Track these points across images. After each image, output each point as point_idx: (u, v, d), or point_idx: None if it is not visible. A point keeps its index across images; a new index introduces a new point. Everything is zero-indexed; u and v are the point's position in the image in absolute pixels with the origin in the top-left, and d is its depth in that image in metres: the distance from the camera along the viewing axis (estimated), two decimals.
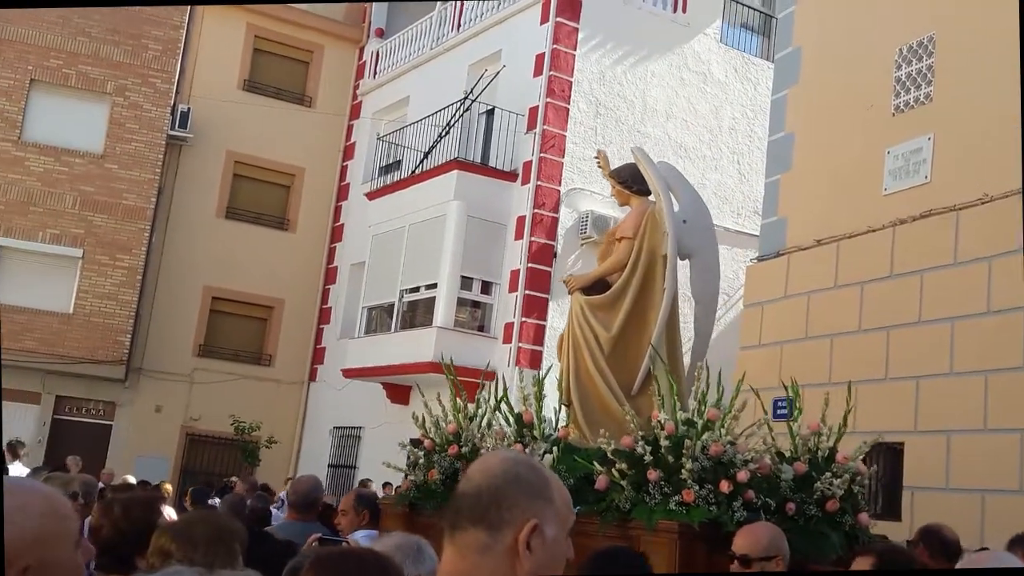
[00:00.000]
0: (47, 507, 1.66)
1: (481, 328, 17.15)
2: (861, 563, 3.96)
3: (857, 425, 10.27)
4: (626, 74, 17.73)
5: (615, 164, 7.42)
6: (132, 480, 12.31)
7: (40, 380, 20.28)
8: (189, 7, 21.48)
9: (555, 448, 6.19)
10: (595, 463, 5.79)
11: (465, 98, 17.77)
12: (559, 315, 16.56)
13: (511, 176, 17.18)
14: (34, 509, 1.63)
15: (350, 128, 23.21)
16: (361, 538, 5.50)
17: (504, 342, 16.61)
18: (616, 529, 5.48)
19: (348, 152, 23.12)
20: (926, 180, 10.17)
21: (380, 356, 17.59)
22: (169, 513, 5.61)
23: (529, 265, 16.58)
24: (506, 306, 16.81)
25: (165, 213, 21.57)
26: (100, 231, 20.52)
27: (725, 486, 5.39)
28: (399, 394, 18.06)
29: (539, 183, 16.79)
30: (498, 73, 17.76)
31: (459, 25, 19.64)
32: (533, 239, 16.71)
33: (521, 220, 16.88)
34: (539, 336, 16.36)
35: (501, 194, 17.06)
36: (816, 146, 11.75)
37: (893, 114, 10.71)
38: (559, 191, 16.92)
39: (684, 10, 18.28)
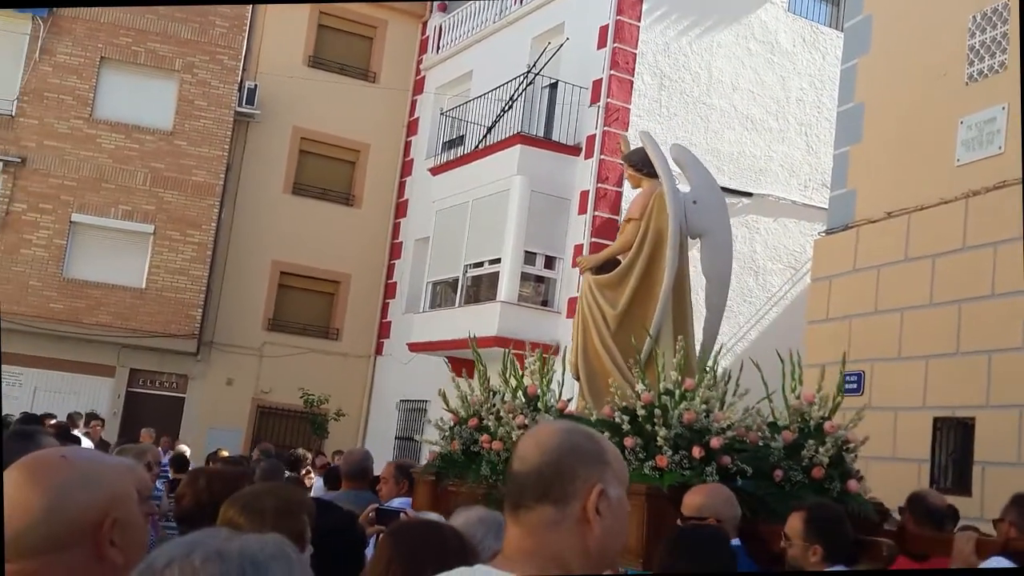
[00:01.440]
0: (115, 471, 1.80)
1: (545, 303, 17.17)
2: (794, 519, 4.28)
3: (927, 400, 10.18)
4: (691, 45, 17.52)
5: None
6: (185, 449, 12.64)
7: (115, 354, 20.80)
8: None
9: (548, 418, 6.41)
10: None
11: (528, 72, 17.71)
12: None
13: (575, 150, 17.12)
14: (107, 472, 1.77)
15: (414, 103, 23.29)
16: (398, 504, 5.92)
17: (568, 316, 16.60)
18: None
19: (412, 127, 23.22)
20: (1000, 151, 9.93)
21: (445, 330, 17.71)
22: None
23: (593, 240, 16.53)
24: (570, 280, 16.80)
25: (233, 189, 21.89)
26: (171, 207, 20.91)
27: (697, 452, 5.64)
28: (463, 368, 18.15)
29: (603, 157, 16.71)
30: (561, 46, 17.66)
31: None
32: (597, 213, 16.65)
33: (585, 195, 16.83)
34: None
35: (565, 168, 17.02)
36: (887, 116, 11.52)
37: (966, 83, 10.46)
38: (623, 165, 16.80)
39: None
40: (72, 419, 13.83)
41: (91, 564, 1.67)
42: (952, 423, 10.08)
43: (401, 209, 22.94)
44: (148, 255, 20.87)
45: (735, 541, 4.38)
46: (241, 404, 21.71)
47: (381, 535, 3.00)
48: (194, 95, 21.21)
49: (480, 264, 17.74)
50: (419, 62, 23.34)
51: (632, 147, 7.69)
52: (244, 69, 21.80)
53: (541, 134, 17.84)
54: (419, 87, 23.19)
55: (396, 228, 22.96)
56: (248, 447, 20.92)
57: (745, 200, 17.63)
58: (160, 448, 12.55)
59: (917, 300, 10.52)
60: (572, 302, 16.62)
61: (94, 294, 20.42)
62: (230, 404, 21.50)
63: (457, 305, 18.05)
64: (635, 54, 17.01)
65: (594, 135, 16.88)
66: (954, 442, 10.11)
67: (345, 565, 3.82)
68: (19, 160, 20.10)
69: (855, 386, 10.68)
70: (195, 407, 21.46)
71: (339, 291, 22.83)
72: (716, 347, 7.02)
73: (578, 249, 16.71)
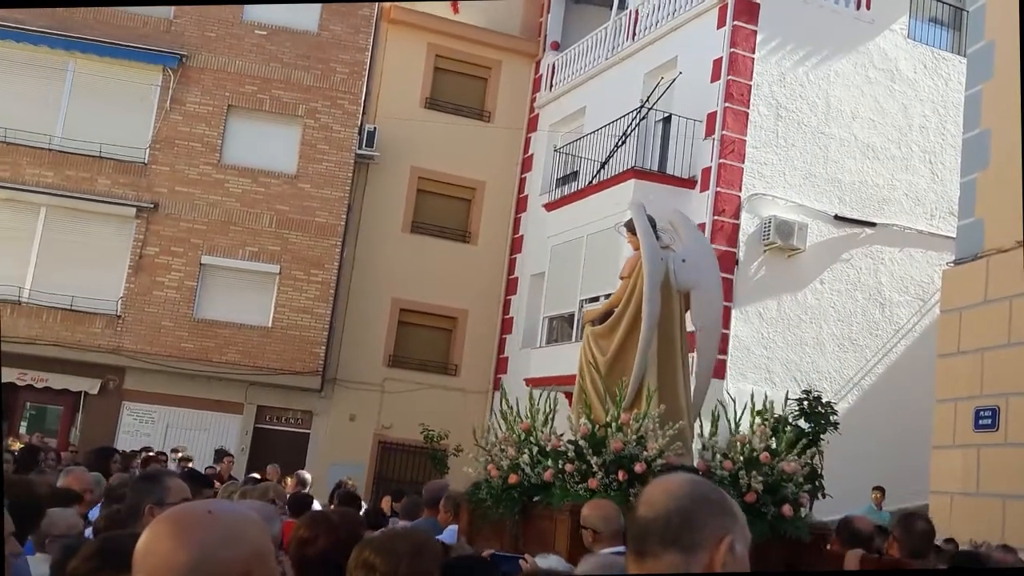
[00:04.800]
0: (258, 527, 1.83)
1: None
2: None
3: None
4: (808, 75, 17.27)
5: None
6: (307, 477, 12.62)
7: (243, 391, 21.39)
8: (373, 31, 22.27)
9: (532, 449, 7.41)
10: (548, 460, 7.18)
11: (641, 106, 17.71)
12: (743, 322, 16.29)
13: (690, 183, 17.00)
14: (250, 529, 1.80)
15: (528, 141, 23.50)
16: (449, 532, 6.91)
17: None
18: (546, 510, 7.01)
19: (526, 164, 23.42)
20: None
21: (562, 366, 17.70)
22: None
23: None
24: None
25: (355, 229, 22.40)
26: (295, 248, 21.50)
27: (621, 475, 6.72)
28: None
29: (719, 189, 16.56)
30: (674, 80, 17.62)
31: (634, 34, 19.61)
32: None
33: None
34: (722, 345, 16.10)
35: (680, 201, 16.84)
36: (1015, 142, 11.12)
37: None
38: (740, 197, 16.64)
39: (868, 7, 17.67)
40: (185, 459, 14.26)
41: None
42: None
43: (516, 245, 23.12)
44: (274, 294, 21.46)
45: (620, 548, 5.01)
46: (363, 440, 22.05)
47: None
48: (316, 139, 21.83)
49: (595, 299, 17.69)
50: (533, 100, 23.57)
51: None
52: (364, 113, 22.35)
53: (655, 168, 17.77)
54: (533, 125, 23.40)
55: (512, 264, 23.12)
56: (371, 482, 21.28)
57: (868, 230, 17.23)
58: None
59: None
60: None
61: (223, 333, 21.08)
62: (352, 440, 21.85)
63: (573, 340, 18.03)
64: (750, 86, 16.85)
65: (709, 167, 16.75)
66: None
67: None
68: (152, 206, 20.97)
69: (990, 421, 10.30)
70: (319, 443, 21.88)
71: (457, 327, 23.08)
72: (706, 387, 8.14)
73: None
